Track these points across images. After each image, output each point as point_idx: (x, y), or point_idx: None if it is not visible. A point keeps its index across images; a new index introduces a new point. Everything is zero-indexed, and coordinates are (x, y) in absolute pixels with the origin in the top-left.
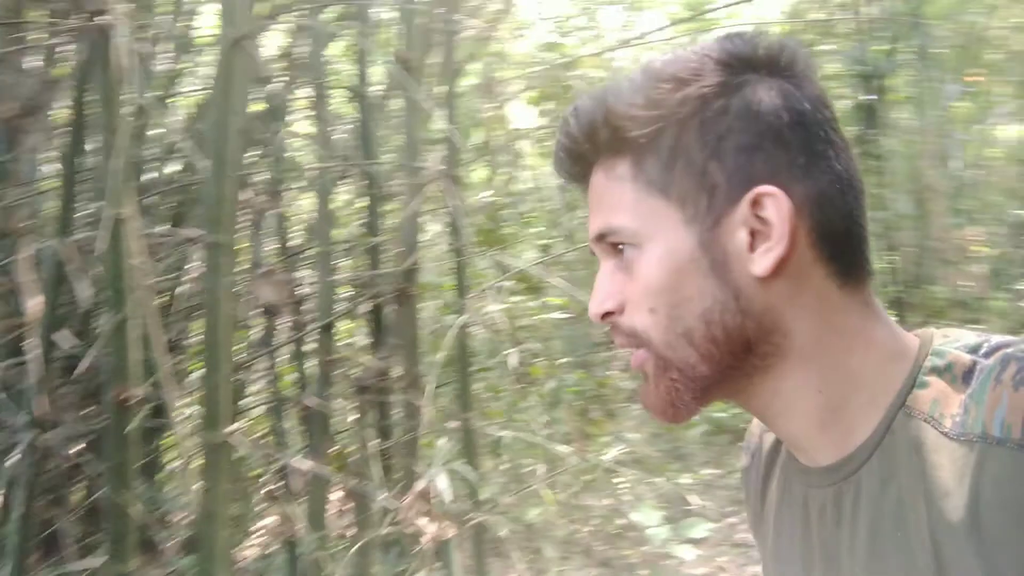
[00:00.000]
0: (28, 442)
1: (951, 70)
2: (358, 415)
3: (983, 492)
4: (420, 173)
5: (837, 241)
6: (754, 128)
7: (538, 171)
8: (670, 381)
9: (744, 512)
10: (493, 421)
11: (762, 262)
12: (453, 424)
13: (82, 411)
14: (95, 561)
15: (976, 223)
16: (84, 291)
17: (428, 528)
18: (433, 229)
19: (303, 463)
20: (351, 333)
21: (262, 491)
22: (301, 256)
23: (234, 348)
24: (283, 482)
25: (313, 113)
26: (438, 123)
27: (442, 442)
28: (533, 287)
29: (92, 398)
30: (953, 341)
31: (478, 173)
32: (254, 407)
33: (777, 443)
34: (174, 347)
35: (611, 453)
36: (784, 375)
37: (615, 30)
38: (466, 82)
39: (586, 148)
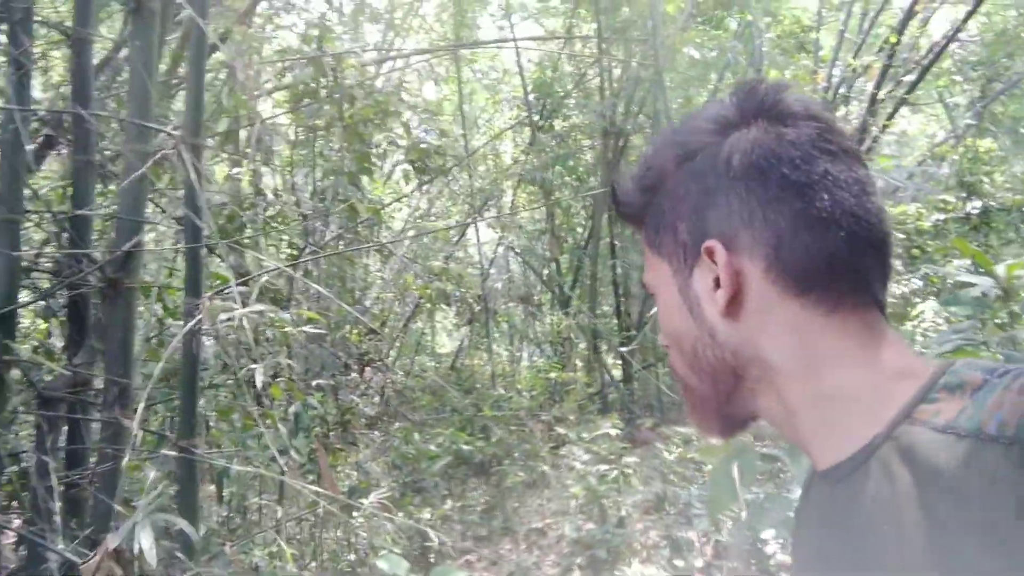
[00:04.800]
0: None
1: None
2: (39, 434)
3: (972, 486)
4: (151, 136)
5: (811, 275)
6: (705, 186)
7: (288, 172)
8: (693, 404)
9: None
10: (219, 450)
11: (717, 304)
12: (169, 452)
13: None
14: None
15: None
16: None
17: None
18: (162, 212)
19: None
20: (44, 332)
21: None
22: None
23: None
24: None
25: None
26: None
27: (153, 476)
28: (278, 297)
29: None
30: (974, 365)
31: (220, 168)
32: None
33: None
34: None
35: (370, 499)
36: (777, 393)
37: (376, 46)
38: (215, 63)
39: (629, 217)
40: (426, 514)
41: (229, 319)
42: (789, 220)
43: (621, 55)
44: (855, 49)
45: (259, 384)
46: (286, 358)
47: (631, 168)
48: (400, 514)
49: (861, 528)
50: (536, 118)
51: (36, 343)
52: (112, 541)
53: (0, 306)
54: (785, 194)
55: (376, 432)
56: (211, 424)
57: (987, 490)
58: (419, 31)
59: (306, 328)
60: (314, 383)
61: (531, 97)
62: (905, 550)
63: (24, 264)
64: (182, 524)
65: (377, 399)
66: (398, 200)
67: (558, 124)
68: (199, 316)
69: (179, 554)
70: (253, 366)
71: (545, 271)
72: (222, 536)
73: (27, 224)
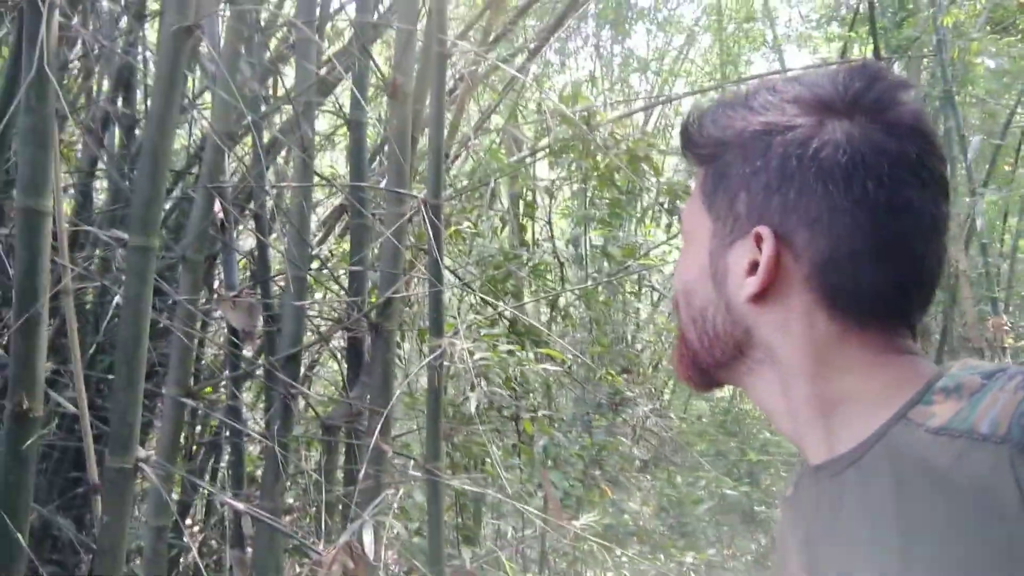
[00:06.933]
0: None
1: (984, 158)
2: (321, 456)
3: (959, 484)
4: (406, 200)
5: (850, 302)
6: (783, 169)
7: (553, 224)
8: (681, 351)
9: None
10: (471, 475)
11: (745, 289)
12: (417, 474)
13: None
14: None
15: (1006, 314)
16: None
17: None
18: (419, 263)
19: (237, 502)
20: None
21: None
22: (273, 280)
23: (192, 371)
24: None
25: (296, 132)
26: (426, 152)
27: (392, 493)
28: (536, 340)
29: None
30: (971, 368)
31: (490, 222)
32: (202, 439)
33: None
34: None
35: (581, 520)
36: (773, 380)
37: (642, 94)
38: (488, 132)
39: (686, 150)
40: (689, 558)
41: (482, 358)
42: (851, 240)
43: (905, 74)
44: None
45: (473, 409)
46: (543, 396)
47: (712, 107)
48: (662, 556)
49: (848, 523)
50: None
51: (327, 380)
52: (345, 537)
53: (289, 347)
54: (859, 210)
55: (646, 475)
56: (486, 459)
57: (977, 488)
58: (685, 75)
59: (546, 366)
60: (564, 421)
61: None
62: (890, 546)
63: (311, 313)
64: (397, 527)
65: (637, 439)
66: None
67: None
68: (438, 353)
69: (416, 562)
70: (471, 393)
71: None
72: (479, 558)
73: (313, 278)
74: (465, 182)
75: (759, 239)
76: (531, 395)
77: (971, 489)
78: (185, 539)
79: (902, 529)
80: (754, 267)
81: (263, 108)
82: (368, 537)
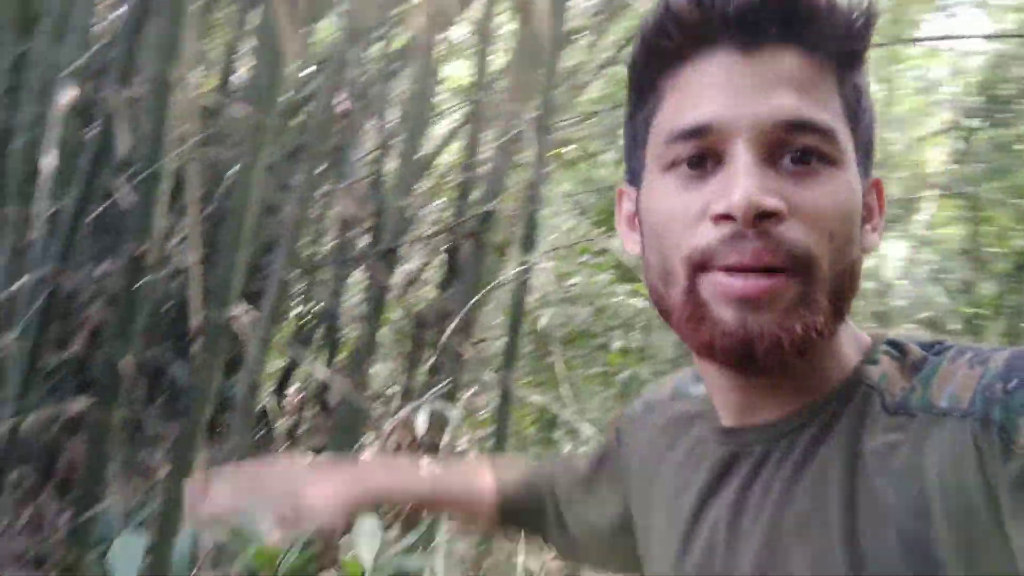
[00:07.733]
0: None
1: None
2: (409, 349)
3: (917, 463)
4: (518, 117)
5: None
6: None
7: None
8: (807, 323)
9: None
10: (543, 391)
11: (872, 238)
12: (490, 379)
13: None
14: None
15: None
16: (123, 141)
17: None
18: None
19: (326, 373)
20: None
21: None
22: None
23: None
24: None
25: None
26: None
27: (467, 393)
28: (631, 276)
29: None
30: (905, 337)
31: (617, 153)
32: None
33: (687, 414)
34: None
35: None
36: (823, 351)
37: None
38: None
39: (804, 24)
40: None
41: (573, 284)
42: None
43: None
44: None
45: (542, 325)
46: (640, 333)
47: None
48: None
49: (793, 486)
50: (975, 124)
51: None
52: (401, 415)
53: (391, 242)
54: None
55: None
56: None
57: (936, 464)
58: None
59: (635, 301)
60: (636, 348)
61: (970, 101)
62: (838, 519)
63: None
64: (445, 409)
65: None
66: None
67: (1001, 132)
68: (525, 268)
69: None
70: (541, 313)
71: (966, 296)
72: None
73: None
74: (597, 108)
75: (879, 188)
76: (629, 331)
77: (931, 466)
78: (282, 402)
79: (854, 504)
80: (866, 219)
81: (396, 11)
82: (422, 418)
